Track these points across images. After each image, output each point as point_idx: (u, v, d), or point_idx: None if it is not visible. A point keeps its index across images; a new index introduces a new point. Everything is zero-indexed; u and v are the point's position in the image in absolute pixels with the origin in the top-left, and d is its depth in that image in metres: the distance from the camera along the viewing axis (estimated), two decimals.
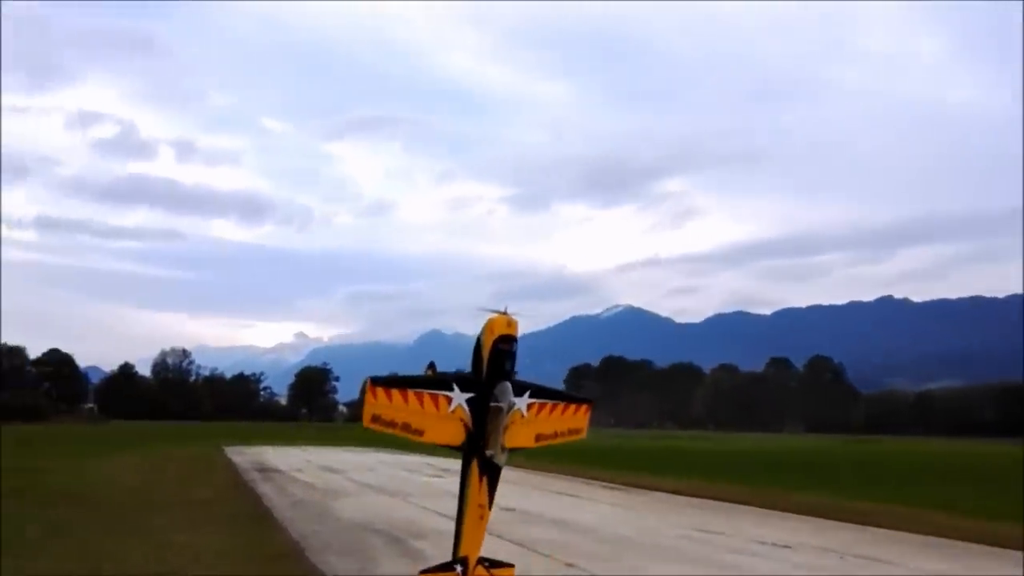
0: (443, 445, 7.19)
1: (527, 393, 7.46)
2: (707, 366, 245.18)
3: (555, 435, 7.80)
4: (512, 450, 7.39)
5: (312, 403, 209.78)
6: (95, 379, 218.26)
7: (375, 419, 6.86)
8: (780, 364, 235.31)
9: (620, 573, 12.96)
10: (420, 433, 7.00)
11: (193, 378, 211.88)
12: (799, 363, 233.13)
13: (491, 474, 7.07)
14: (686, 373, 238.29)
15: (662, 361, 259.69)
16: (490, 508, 7.14)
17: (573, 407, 7.91)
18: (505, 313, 7.17)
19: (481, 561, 7.26)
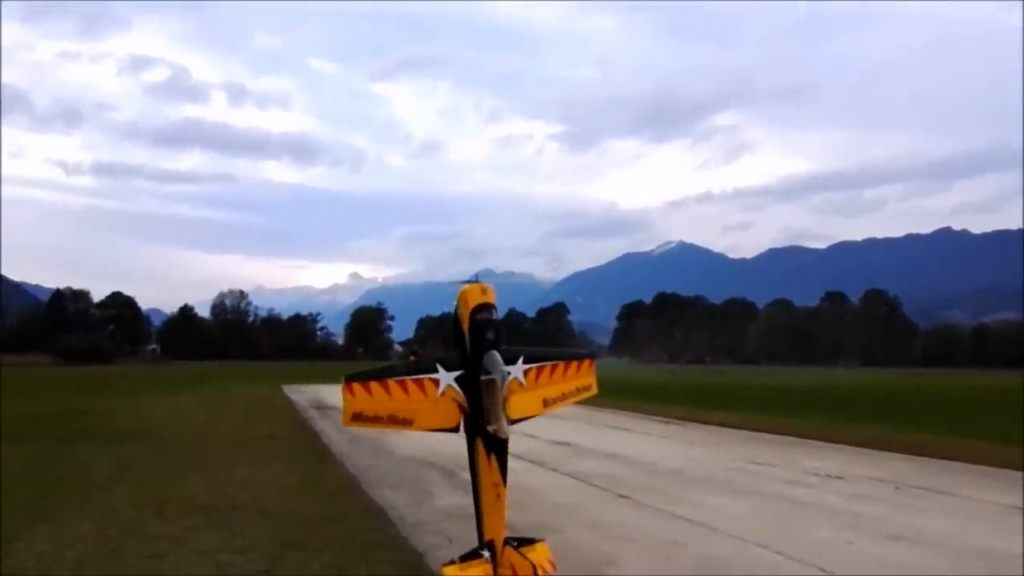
0: (438, 430, 6.92)
1: (520, 359, 7.13)
2: (761, 301, 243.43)
3: (563, 396, 7.49)
4: (519, 420, 7.07)
5: (368, 342, 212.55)
6: (157, 321, 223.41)
7: (356, 416, 6.63)
8: (835, 299, 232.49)
9: (672, 504, 13.07)
10: (409, 423, 6.75)
11: (251, 319, 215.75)
12: (855, 297, 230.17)
13: (498, 450, 6.75)
14: (740, 309, 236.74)
15: (716, 297, 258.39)
16: (504, 483, 6.82)
17: (576, 364, 7.59)
18: (477, 282, 6.91)
19: (508, 541, 6.86)
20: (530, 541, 7.15)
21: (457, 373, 6.77)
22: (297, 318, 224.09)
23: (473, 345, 6.74)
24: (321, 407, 37.01)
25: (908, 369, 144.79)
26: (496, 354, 6.66)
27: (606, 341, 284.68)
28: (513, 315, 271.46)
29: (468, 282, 6.98)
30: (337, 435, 24.12)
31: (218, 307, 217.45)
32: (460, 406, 6.76)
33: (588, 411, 34.93)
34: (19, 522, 11.28)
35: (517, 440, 22.38)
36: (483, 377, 6.61)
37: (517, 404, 6.95)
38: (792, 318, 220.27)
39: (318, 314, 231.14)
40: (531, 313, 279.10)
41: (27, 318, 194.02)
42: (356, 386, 6.57)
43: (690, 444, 22.45)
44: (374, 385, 6.59)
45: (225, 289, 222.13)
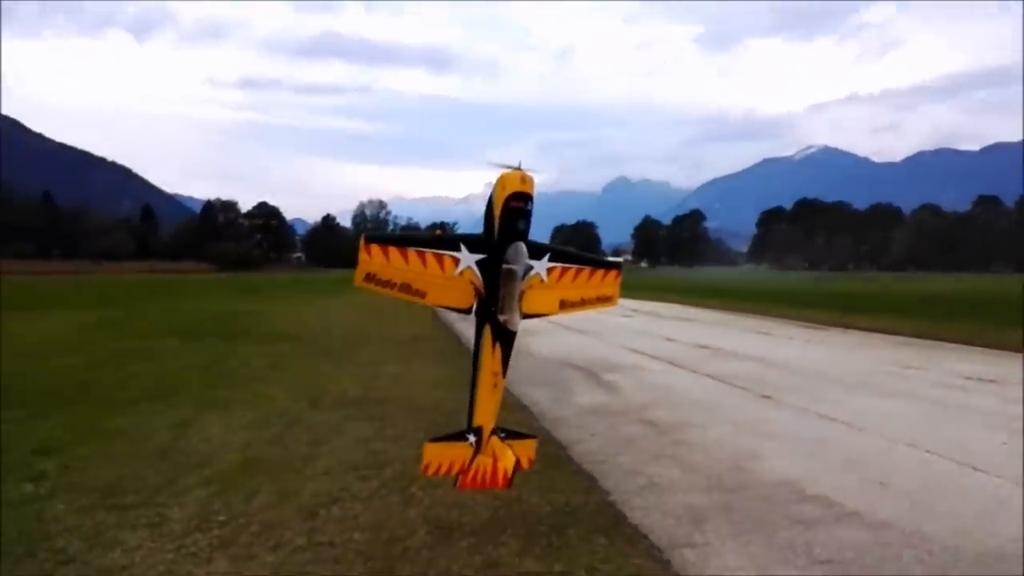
0: (449, 308, 6.79)
1: (547, 256, 6.96)
2: (908, 207, 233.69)
3: (582, 302, 7.30)
4: (532, 316, 6.98)
5: None
6: (301, 230, 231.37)
7: (369, 278, 6.43)
8: (988, 203, 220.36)
9: (816, 404, 12.94)
10: (422, 295, 6.55)
11: (390, 228, 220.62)
12: (1010, 201, 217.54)
13: (504, 340, 6.68)
14: (885, 214, 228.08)
15: (860, 203, 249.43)
16: (504, 375, 6.77)
17: (601, 272, 7.36)
18: (519, 169, 6.50)
19: (496, 431, 6.91)
20: (520, 435, 7.24)
21: (479, 256, 6.60)
22: (435, 227, 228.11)
23: (501, 232, 6.51)
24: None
25: None
26: (522, 245, 6.52)
27: (744, 248, 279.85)
28: (648, 222, 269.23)
29: (509, 167, 6.70)
30: None
31: (359, 217, 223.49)
32: (476, 289, 6.63)
33: (728, 316, 34.67)
34: (191, 410, 12.13)
35: (657, 343, 22.49)
36: (504, 266, 6.50)
37: (533, 300, 6.89)
38: (942, 223, 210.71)
39: (455, 223, 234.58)
40: (667, 220, 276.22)
41: (182, 228, 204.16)
42: (374, 247, 6.39)
43: (834, 347, 22.02)
44: (392, 250, 6.43)
45: (365, 199, 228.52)
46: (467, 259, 6.59)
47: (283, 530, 6.83)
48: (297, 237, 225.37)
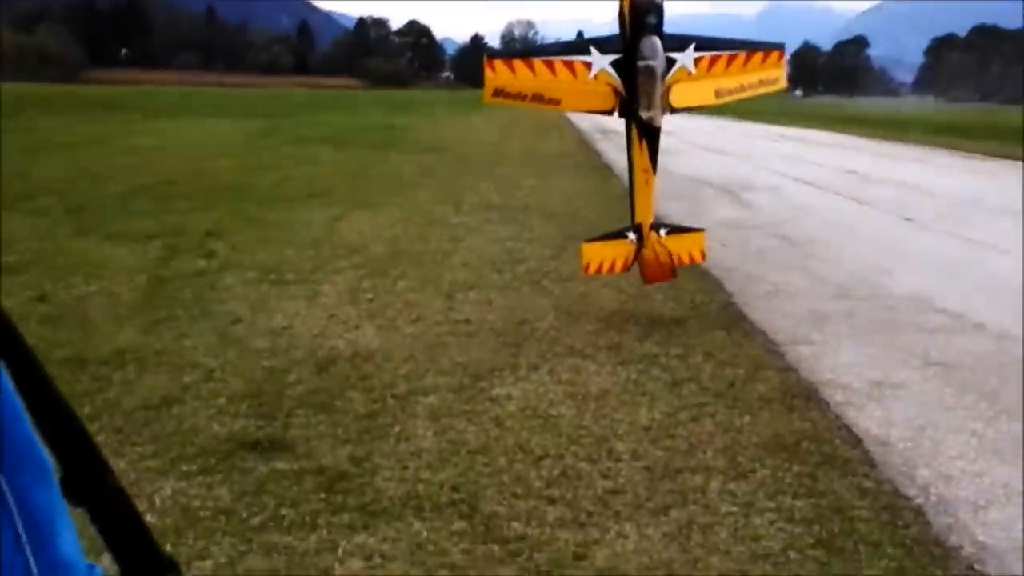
0: (589, 111, 6.93)
1: (691, 47, 6.70)
2: None
3: (741, 88, 6.94)
4: (686, 109, 6.95)
5: None
6: (450, 50, 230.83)
7: (497, 92, 6.44)
8: None
9: (962, 228, 12.63)
10: (556, 102, 6.58)
11: None
12: None
13: (650, 137, 6.61)
14: None
15: None
16: (654, 171, 6.78)
17: (760, 55, 6.94)
18: None
19: (657, 227, 6.97)
20: (685, 229, 7.39)
21: (613, 57, 6.50)
22: None
23: (632, 29, 6.39)
24: (604, 131, 37.60)
25: None
26: (656, 39, 6.32)
27: (909, 78, 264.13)
28: (806, 48, 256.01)
29: None
30: (617, 155, 24.68)
31: (507, 37, 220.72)
32: (615, 90, 6.56)
33: (884, 145, 33.38)
34: (343, 208, 12.91)
35: (802, 167, 22.11)
36: (640, 62, 6.33)
37: (684, 92, 6.72)
38: None
39: None
40: (827, 47, 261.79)
41: (337, 45, 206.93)
42: (498, 63, 6.47)
43: (994, 177, 21.05)
44: (518, 63, 6.47)
45: (514, 19, 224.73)
46: (600, 61, 6.55)
47: (424, 308, 7.42)
48: (446, 56, 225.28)
